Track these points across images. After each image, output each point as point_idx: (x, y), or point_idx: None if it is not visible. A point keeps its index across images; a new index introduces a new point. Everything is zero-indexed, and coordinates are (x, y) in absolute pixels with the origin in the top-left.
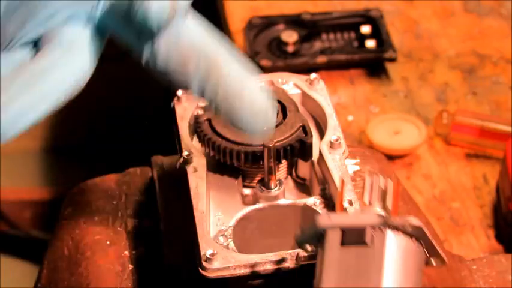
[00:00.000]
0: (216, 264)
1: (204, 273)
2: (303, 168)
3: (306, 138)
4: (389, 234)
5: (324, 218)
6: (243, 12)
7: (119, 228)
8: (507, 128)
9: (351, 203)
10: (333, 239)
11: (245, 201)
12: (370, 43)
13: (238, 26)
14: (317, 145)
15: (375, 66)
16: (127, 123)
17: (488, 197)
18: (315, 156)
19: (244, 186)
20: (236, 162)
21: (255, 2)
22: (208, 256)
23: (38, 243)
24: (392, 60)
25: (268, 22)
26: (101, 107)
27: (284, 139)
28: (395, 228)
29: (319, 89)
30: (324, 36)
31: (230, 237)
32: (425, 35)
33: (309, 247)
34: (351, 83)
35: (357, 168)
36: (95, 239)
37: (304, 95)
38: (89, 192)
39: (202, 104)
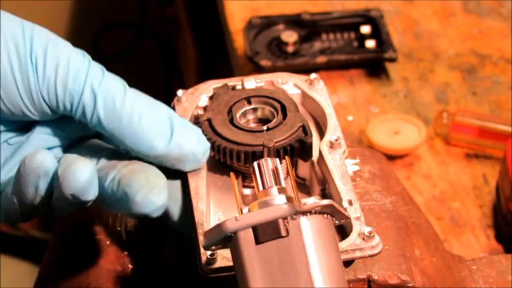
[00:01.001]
0: (216, 264)
1: (204, 273)
2: (303, 168)
3: (306, 138)
4: (302, 219)
5: (232, 222)
6: (243, 12)
7: (118, 228)
8: (507, 128)
9: (351, 203)
10: (246, 240)
11: (245, 201)
12: (370, 43)
13: (238, 26)
14: (317, 145)
15: (375, 67)
16: None
17: (488, 197)
18: (315, 156)
19: (244, 186)
20: (236, 162)
21: (255, 2)
22: (208, 256)
23: (38, 243)
24: (393, 60)
25: (268, 22)
26: None
27: (284, 139)
28: (305, 212)
29: (319, 89)
30: (324, 36)
31: None
32: (425, 35)
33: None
34: (350, 83)
35: (357, 168)
36: (95, 239)
37: (304, 95)
38: None
39: (202, 104)
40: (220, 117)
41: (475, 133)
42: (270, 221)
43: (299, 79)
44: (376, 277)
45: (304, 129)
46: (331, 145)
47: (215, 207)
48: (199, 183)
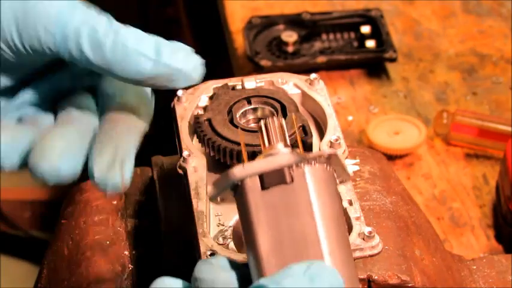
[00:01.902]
0: None
1: None
2: None
3: (306, 138)
4: (307, 167)
5: (239, 169)
6: (243, 12)
7: (118, 228)
8: (507, 128)
9: (350, 203)
10: (252, 187)
11: None
12: (370, 43)
13: (238, 26)
14: (317, 145)
15: (375, 67)
16: None
17: (488, 197)
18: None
19: None
20: (236, 162)
21: (255, 2)
22: (208, 256)
23: (38, 243)
24: (393, 60)
25: (268, 22)
26: None
27: None
28: (310, 161)
29: (319, 89)
30: (324, 36)
31: (230, 237)
32: (425, 35)
33: (219, 199)
34: (350, 83)
35: (356, 168)
36: (95, 239)
37: (304, 95)
38: (89, 192)
39: (202, 104)
40: (220, 117)
41: (475, 133)
42: (275, 169)
43: (299, 79)
44: (376, 277)
45: (304, 129)
46: (331, 145)
47: (215, 207)
48: (199, 183)
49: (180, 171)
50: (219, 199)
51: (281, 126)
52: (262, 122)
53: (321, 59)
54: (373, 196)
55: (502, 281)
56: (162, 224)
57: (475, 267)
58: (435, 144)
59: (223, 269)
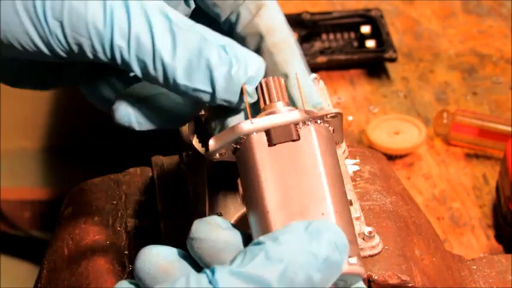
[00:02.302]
0: None
1: None
2: None
3: None
4: (313, 126)
5: (246, 124)
6: None
7: (118, 228)
8: (507, 128)
9: (350, 203)
10: (259, 142)
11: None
12: (370, 43)
13: None
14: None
15: (375, 66)
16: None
17: (488, 197)
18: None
19: None
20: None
21: None
22: None
23: (38, 243)
24: (393, 60)
25: None
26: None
27: None
28: (316, 119)
29: (319, 89)
30: (324, 36)
31: None
32: (425, 35)
33: (217, 155)
34: (350, 83)
35: (356, 168)
36: (95, 239)
37: None
38: (89, 192)
39: None
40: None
41: (475, 133)
42: (283, 125)
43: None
44: (376, 277)
45: None
46: None
47: (215, 207)
48: (199, 183)
49: (181, 171)
50: (217, 155)
51: (281, 85)
52: (263, 80)
53: (321, 59)
54: (373, 196)
55: (502, 281)
56: (162, 224)
57: (475, 267)
58: (435, 144)
59: (224, 227)
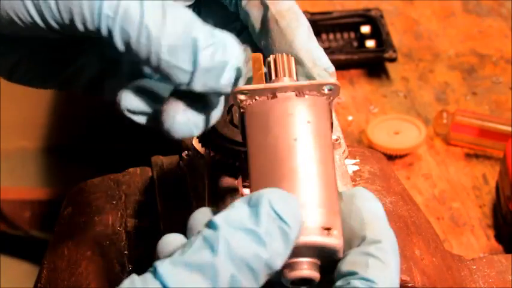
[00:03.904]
0: None
1: None
2: None
3: None
4: (313, 96)
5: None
6: None
7: (118, 228)
8: (507, 128)
9: None
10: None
11: None
12: (370, 43)
13: None
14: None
15: (374, 66)
16: (127, 123)
17: (488, 197)
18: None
19: (244, 186)
20: (236, 162)
21: None
22: None
23: (37, 243)
24: (393, 60)
25: None
26: (101, 107)
27: None
28: (319, 88)
29: None
30: (324, 36)
31: None
32: (425, 35)
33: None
34: (350, 83)
35: (356, 168)
36: (95, 239)
37: None
38: (88, 192)
39: None
40: (221, 117)
41: (475, 133)
42: (291, 87)
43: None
44: None
45: None
46: None
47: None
48: (199, 183)
49: (181, 171)
50: (242, 96)
51: (290, 62)
52: (271, 56)
53: None
54: None
55: (502, 281)
56: (162, 224)
57: (475, 267)
58: (435, 144)
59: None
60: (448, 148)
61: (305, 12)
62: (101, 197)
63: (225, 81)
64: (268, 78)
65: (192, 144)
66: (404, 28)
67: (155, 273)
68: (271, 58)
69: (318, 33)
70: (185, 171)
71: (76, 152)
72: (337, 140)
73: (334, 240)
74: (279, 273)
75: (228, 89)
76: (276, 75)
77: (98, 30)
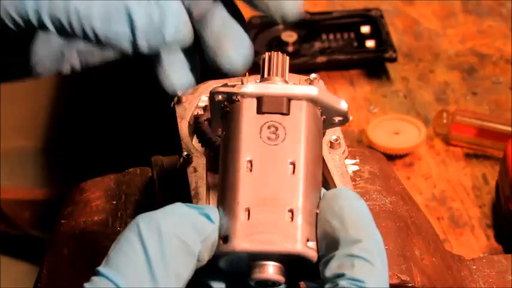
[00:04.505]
0: None
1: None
2: None
3: None
4: (305, 103)
5: (241, 86)
6: (243, 12)
7: (118, 228)
8: (507, 128)
9: None
10: (249, 106)
11: None
12: (370, 43)
13: None
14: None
15: (374, 67)
16: (127, 123)
17: (488, 196)
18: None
19: None
20: None
21: None
22: None
23: (38, 243)
24: (392, 60)
25: (268, 22)
26: (101, 107)
27: None
28: (310, 99)
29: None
30: (323, 36)
31: None
32: (425, 35)
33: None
34: (350, 83)
35: (356, 168)
36: (95, 239)
37: None
38: (88, 192)
39: (202, 104)
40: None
41: (475, 133)
42: (276, 95)
43: (299, 79)
44: None
45: None
46: (331, 145)
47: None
48: (199, 183)
49: (181, 171)
50: (220, 96)
51: (284, 61)
52: (267, 54)
53: (321, 59)
54: (373, 196)
55: (502, 281)
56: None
57: (475, 267)
58: (435, 144)
59: None
60: (448, 148)
61: (305, 13)
62: (101, 196)
63: (169, 38)
64: (261, 74)
65: (192, 144)
66: (404, 28)
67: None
68: (266, 55)
69: (318, 33)
70: (185, 171)
71: (76, 152)
72: (337, 140)
73: (311, 252)
74: (247, 272)
75: (176, 46)
76: (269, 73)
77: (28, 22)
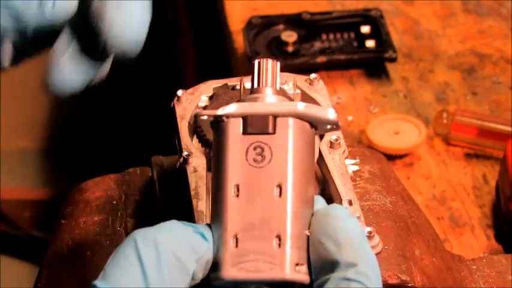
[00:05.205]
0: None
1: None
2: None
3: None
4: (291, 121)
5: (229, 107)
6: (243, 12)
7: (118, 228)
8: (507, 128)
9: (350, 203)
10: (234, 127)
11: None
12: (370, 43)
13: (238, 26)
14: (317, 145)
15: (374, 66)
16: (127, 123)
17: (488, 196)
18: (315, 156)
19: None
20: None
21: (255, 2)
22: None
23: (38, 243)
24: (392, 60)
25: (268, 22)
26: (101, 107)
27: None
28: (296, 116)
29: (319, 89)
30: (323, 36)
31: None
32: (425, 35)
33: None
34: (350, 83)
35: (356, 168)
36: (95, 239)
37: (304, 94)
38: (89, 192)
39: (202, 104)
40: None
41: (475, 133)
42: (261, 115)
43: (299, 79)
44: None
45: None
46: (331, 145)
47: None
48: (199, 183)
49: (181, 171)
50: (204, 116)
51: (275, 69)
52: (256, 61)
53: (321, 59)
54: (373, 196)
55: (502, 281)
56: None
57: (475, 267)
58: (435, 144)
59: None
60: (448, 148)
61: (305, 12)
62: (101, 197)
63: (50, 15)
64: (251, 84)
65: (192, 144)
66: (404, 28)
67: None
68: (256, 62)
69: (318, 33)
70: (185, 171)
71: (76, 152)
72: (337, 140)
73: (301, 276)
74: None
75: (61, 21)
76: (259, 84)
77: None
